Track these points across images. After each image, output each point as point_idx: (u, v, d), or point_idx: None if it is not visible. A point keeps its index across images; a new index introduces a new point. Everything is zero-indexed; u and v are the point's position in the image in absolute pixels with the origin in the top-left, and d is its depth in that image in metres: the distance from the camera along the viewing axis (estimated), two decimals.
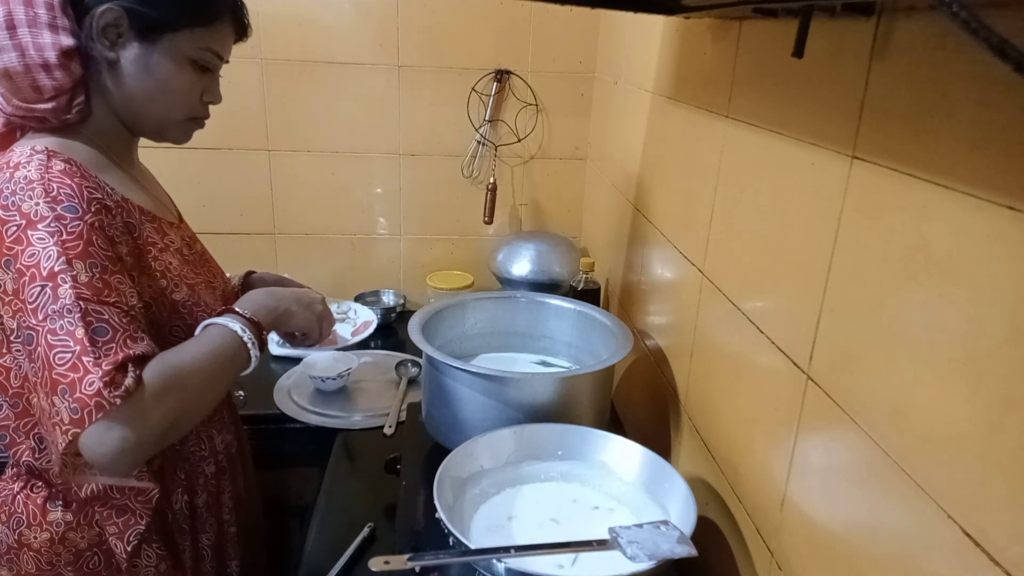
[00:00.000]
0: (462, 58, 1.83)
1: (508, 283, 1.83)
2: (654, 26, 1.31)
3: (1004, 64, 0.32)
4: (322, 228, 1.95)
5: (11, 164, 0.80)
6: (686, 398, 1.11)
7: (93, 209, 0.81)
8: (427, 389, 1.14)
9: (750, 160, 0.89)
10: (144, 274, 0.88)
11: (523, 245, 1.83)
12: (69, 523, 0.91)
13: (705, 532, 0.95)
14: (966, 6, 0.32)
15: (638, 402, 1.40)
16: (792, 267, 0.77)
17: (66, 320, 0.75)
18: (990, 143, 0.48)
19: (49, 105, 0.83)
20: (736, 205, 0.93)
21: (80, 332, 0.75)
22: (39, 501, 0.91)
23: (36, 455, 0.91)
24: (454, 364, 1.04)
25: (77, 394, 0.74)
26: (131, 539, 0.92)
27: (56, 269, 0.76)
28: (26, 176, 0.78)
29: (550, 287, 1.73)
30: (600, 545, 0.78)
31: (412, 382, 1.58)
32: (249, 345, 0.88)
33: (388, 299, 2.00)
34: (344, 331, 1.78)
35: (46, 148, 0.82)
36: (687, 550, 0.76)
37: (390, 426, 1.41)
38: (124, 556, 0.92)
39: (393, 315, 1.93)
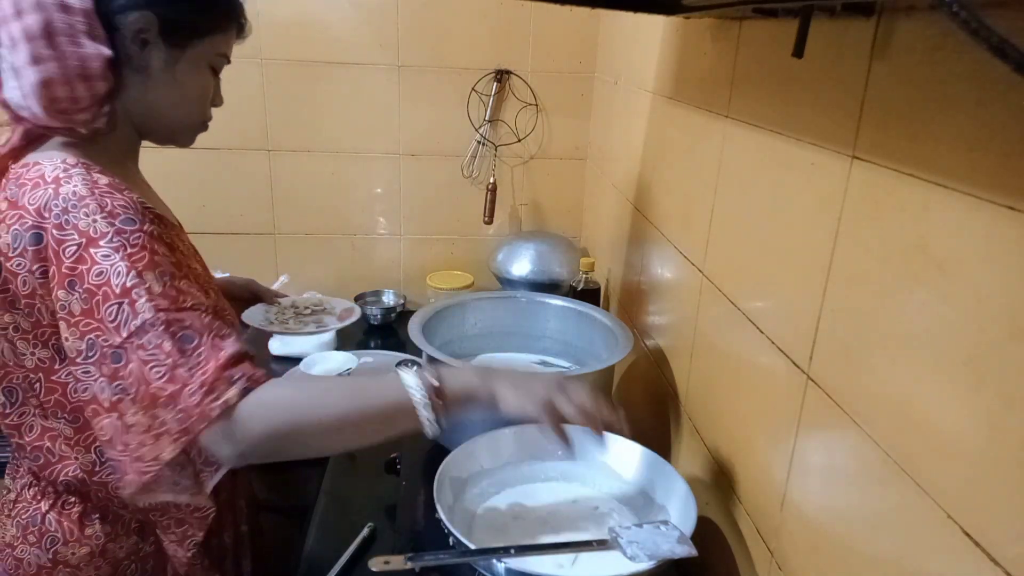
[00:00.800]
0: (462, 58, 1.83)
1: (508, 283, 1.83)
2: (654, 26, 1.31)
3: (1004, 64, 0.32)
4: (322, 228, 1.95)
5: (48, 179, 0.78)
6: (686, 398, 1.11)
7: (148, 218, 0.80)
8: None
9: (750, 160, 0.89)
10: (180, 263, 0.87)
11: (523, 245, 1.83)
12: (108, 534, 0.91)
13: (705, 532, 0.95)
14: (966, 6, 0.32)
15: (638, 402, 1.40)
16: (792, 267, 0.77)
17: (151, 335, 0.75)
18: (990, 143, 0.48)
19: (85, 115, 0.81)
20: (736, 205, 0.93)
21: (168, 345, 0.75)
22: (75, 517, 0.90)
23: (93, 469, 0.88)
24: (454, 364, 1.04)
25: (181, 404, 0.74)
26: (190, 547, 0.93)
27: (128, 285, 0.75)
28: (75, 191, 0.77)
29: (550, 287, 1.73)
30: (600, 545, 0.78)
31: None
32: (422, 417, 0.79)
33: (388, 299, 2.00)
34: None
35: (79, 160, 0.81)
36: (687, 550, 0.76)
37: None
38: (185, 561, 0.93)
39: (393, 315, 1.93)
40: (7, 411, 0.87)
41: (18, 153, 0.85)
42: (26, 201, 0.77)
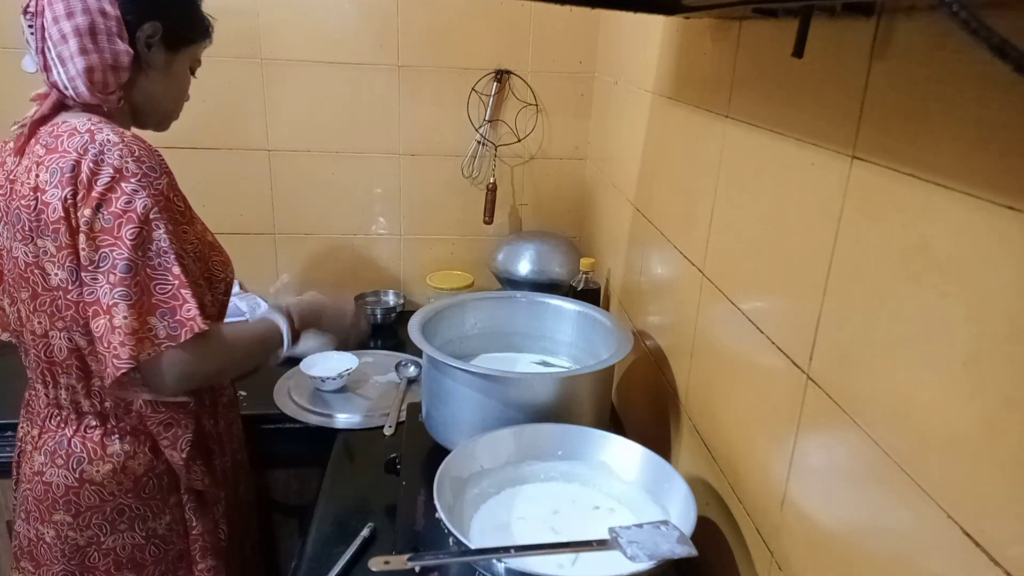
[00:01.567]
0: (462, 58, 1.83)
1: (508, 283, 1.83)
2: (654, 26, 1.31)
3: (1004, 64, 0.32)
4: (322, 228, 1.95)
5: (81, 130, 0.95)
6: (686, 398, 1.11)
7: (165, 171, 0.99)
8: (427, 389, 1.14)
9: (750, 160, 0.89)
10: (192, 220, 1.07)
11: (523, 245, 1.83)
12: (128, 452, 1.06)
13: (705, 532, 0.95)
14: (966, 6, 0.32)
15: (638, 402, 1.40)
16: (792, 267, 0.77)
17: (163, 259, 0.95)
18: (990, 143, 0.48)
19: (111, 97, 1.02)
20: (736, 205, 0.93)
21: (176, 270, 0.95)
22: (96, 437, 1.05)
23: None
24: (454, 364, 1.04)
25: (178, 316, 0.94)
26: (183, 447, 1.07)
27: (151, 216, 0.94)
28: (108, 138, 0.94)
29: (550, 287, 1.73)
30: (600, 545, 0.78)
31: (412, 382, 1.58)
32: (285, 340, 1.13)
33: (388, 299, 2.00)
34: None
35: (102, 119, 1.00)
36: (687, 550, 0.76)
37: (390, 426, 1.41)
38: (181, 463, 1.07)
39: (393, 315, 1.93)
40: (40, 333, 1.02)
41: (45, 119, 1.01)
42: (65, 146, 0.94)
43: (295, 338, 1.15)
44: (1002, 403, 0.46)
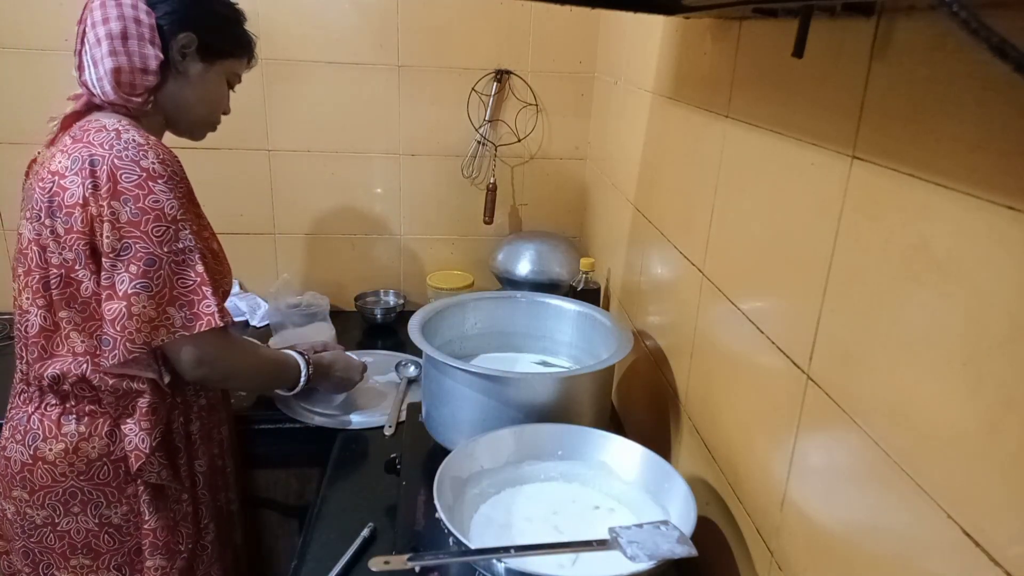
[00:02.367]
0: (462, 58, 1.83)
1: (508, 283, 1.83)
2: (654, 26, 1.31)
3: (1004, 64, 0.32)
4: (322, 228, 1.95)
5: (109, 128, 1.02)
6: (686, 398, 1.11)
7: (184, 176, 1.06)
8: (427, 389, 1.14)
9: (750, 160, 0.89)
10: (200, 226, 1.11)
11: (523, 245, 1.83)
12: (82, 434, 1.08)
13: (705, 532, 0.95)
14: (966, 6, 0.32)
15: (638, 402, 1.40)
16: (792, 267, 0.77)
17: (187, 257, 1.03)
18: (990, 143, 0.48)
19: (138, 99, 1.08)
20: (736, 205, 0.93)
21: (200, 268, 1.04)
22: (54, 416, 1.08)
23: (93, 352, 1.06)
24: (454, 364, 1.04)
25: (195, 309, 1.03)
26: (156, 435, 1.10)
27: (178, 217, 1.02)
28: (134, 139, 1.01)
29: (550, 287, 1.73)
30: (600, 545, 0.78)
31: (412, 382, 1.58)
32: (302, 379, 1.29)
33: (388, 299, 2.00)
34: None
35: (131, 122, 1.06)
36: (687, 550, 0.76)
37: (390, 426, 1.41)
38: (146, 451, 1.09)
39: (393, 315, 1.93)
40: (25, 308, 1.07)
41: (79, 116, 1.08)
42: (90, 139, 1.01)
43: (308, 381, 1.28)
44: (1002, 403, 0.46)
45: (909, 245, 0.56)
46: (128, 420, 1.10)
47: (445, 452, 0.92)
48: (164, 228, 1.00)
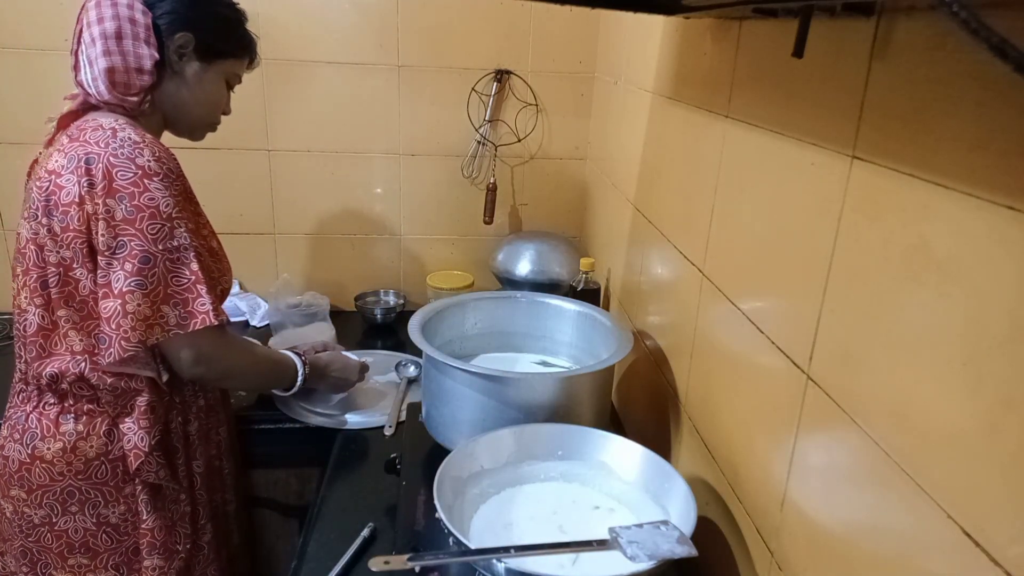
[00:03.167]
0: (462, 58, 1.83)
1: (508, 283, 1.83)
2: (654, 26, 1.31)
3: (1004, 64, 0.32)
4: (322, 228, 1.95)
5: (106, 127, 1.02)
6: (686, 398, 1.11)
7: (181, 175, 1.06)
8: (427, 389, 1.14)
9: (750, 160, 0.89)
10: (198, 224, 1.12)
11: (523, 245, 1.83)
12: (80, 433, 1.08)
13: (705, 532, 0.95)
14: (966, 6, 0.32)
15: (638, 402, 1.40)
16: (792, 267, 0.77)
17: (182, 255, 1.02)
18: (990, 143, 0.48)
19: (134, 99, 1.08)
20: (736, 205, 0.93)
21: (195, 266, 1.03)
22: (52, 415, 1.08)
23: (92, 351, 1.06)
24: (454, 364, 1.04)
25: (190, 308, 1.03)
26: (155, 434, 1.10)
27: (174, 215, 1.02)
28: (130, 137, 1.01)
29: (550, 287, 1.73)
30: (600, 545, 0.78)
31: (412, 382, 1.58)
32: (298, 381, 1.29)
33: (388, 299, 2.00)
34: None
35: (128, 121, 1.06)
36: (687, 550, 0.76)
37: (390, 426, 1.41)
38: (145, 449, 1.09)
39: (393, 315, 1.93)
40: (23, 308, 1.07)
41: (76, 116, 1.08)
42: (87, 137, 1.01)
43: (304, 382, 1.28)
44: (1002, 403, 0.46)
45: (909, 245, 0.56)
46: (127, 419, 1.09)
47: (445, 452, 0.92)
48: (159, 226, 1.00)
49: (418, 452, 1.18)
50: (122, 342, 0.99)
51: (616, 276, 1.60)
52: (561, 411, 1.03)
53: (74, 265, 1.03)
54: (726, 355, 0.96)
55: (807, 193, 0.74)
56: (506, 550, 0.76)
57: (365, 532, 1.09)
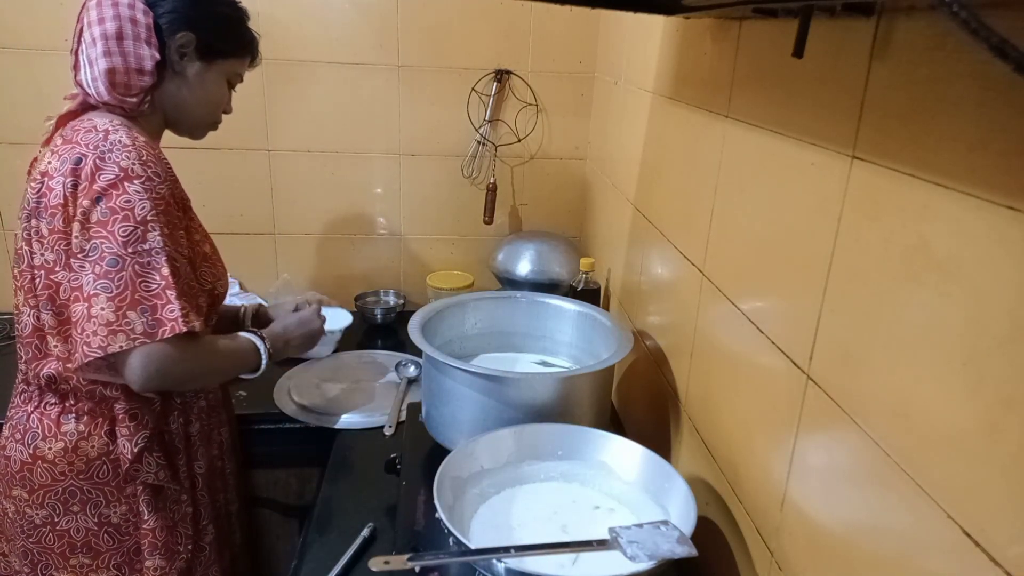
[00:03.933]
0: (462, 58, 1.83)
1: (508, 283, 1.83)
2: (654, 26, 1.31)
3: (1004, 64, 0.32)
4: (322, 228, 1.95)
5: (99, 128, 1.01)
6: (686, 398, 1.11)
7: (169, 179, 1.04)
8: (427, 389, 1.14)
9: (750, 160, 0.89)
10: (189, 229, 1.10)
11: (523, 245, 1.83)
12: (81, 432, 1.07)
13: (705, 532, 0.95)
14: (966, 6, 0.32)
15: (638, 402, 1.40)
16: (792, 267, 0.77)
17: (153, 259, 0.98)
18: (990, 143, 0.48)
19: (134, 100, 1.07)
20: (736, 205, 0.93)
21: (166, 271, 0.98)
22: (53, 415, 1.07)
23: (66, 357, 1.05)
24: (454, 364, 1.04)
25: (158, 315, 0.97)
26: (139, 442, 1.08)
27: (148, 218, 0.98)
28: (120, 140, 1.00)
29: (550, 287, 1.73)
30: (600, 545, 0.78)
31: (412, 382, 1.58)
32: (263, 362, 1.19)
33: (388, 299, 2.00)
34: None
35: (123, 122, 1.05)
36: (687, 550, 0.76)
37: (390, 426, 1.41)
38: (130, 457, 1.07)
39: (393, 315, 1.93)
40: (20, 309, 1.07)
41: (74, 116, 1.08)
42: (79, 139, 1.00)
43: (271, 357, 1.21)
44: (1002, 403, 0.46)
45: (909, 245, 0.56)
46: (127, 422, 1.09)
47: (445, 452, 0.92)
48: (131, 229, 0.97)
49: (418, 452, 1.18)
50: (84, 347, 0.95)
51: (616, 276, 1.60)
52: (561, 411, 1.03)
53: (56, 268, 1.01)
54: (726, 355, 0.96)
55: (807, 193, 0.74)
56: (506, 550, 0.76)
57: (365, 532, 1.09)
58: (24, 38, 1.69)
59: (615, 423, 1.44)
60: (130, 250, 0.97)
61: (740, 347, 0.90)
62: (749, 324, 0.87)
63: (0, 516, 1.13)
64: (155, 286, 0.98)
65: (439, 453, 0.97)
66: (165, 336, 0.96)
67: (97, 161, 0.97)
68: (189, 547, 1.18)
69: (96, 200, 0.96)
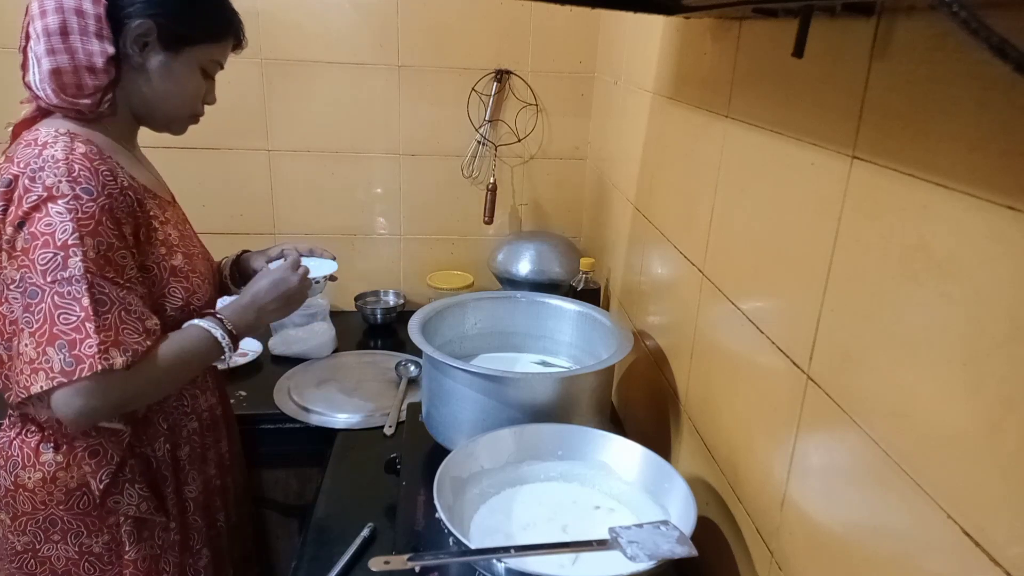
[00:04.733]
0: (462, 58, 1.83)
1: (508, 283, 1.83)
2: (654, 26, 1.31)
3: (1004, 64, 0.32)
4: (322, 228, 1.95)
5: (39, 142, 0.92)
6: (686, 398, 1.11)
7: (105, 193, 0.92)
8: (427, 389, 1.14)
9: (750, 160, 0.89)
10: (148, 243, 1.00)
11: (523, 245, 1.83)
12: (60, 463, 1.00)
13: (705, 532, 0.95)
14: (966, 6, 0.32)
15: (638, 402, 1.40)
16: (792, 267, 0.77)
17: (74, 288, 0.88)
18: (990, 143, 0.48)
19: (88, 101, 0.96)
20: (736, 205, 0.93)
21: (86, 301, 0.88)
22: (32, 444, 1.01)
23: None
24: (454, 364, 1.04)
25: (76, 351, 0.87)
26: (104, 478, 1.01)
27: (70, 242, 0.88)
28: (53, 155, 0.90)
29: (550, 287, 1.73)
30: (600, 545, 0.78)
31: (412, 382, 1.58)
32: (225, 348, 1.05)
33: (388, 299, 2.00)
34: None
35: (69, 131, 0.94)
36: (687, 550, 0.76)
37: (390, 426, 1.41)
38: (98, 492, 1.01)
39: (393, 315, 1.93)
40: None
41: (30, 124, 0.99)
42: (17, 155, 0.92)
43: (237, 339, 1.07)
44: (1002, 403, 0.46)
45: (909, 245, 0.56)
46: (88, 459, 1.00)
47: (445, 452, 0.92)
48: (50, 256, 0.87)
49: (418, 452, 1.18)
50: (15, 386, 0.89)
51: (616, 276, 1.60)
52: (561, 411, 1.03)
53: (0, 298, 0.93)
54: (726, 355, 0.96)
55: (807, 193, 0.74)
56: (506, 550, 0.76)
57: (365, 532, 1.09)
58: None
59: (615, 423, 1.44)
60: (48, 279, 0.88)
61: (740, 347, 0.90)
62: (749, 324, 0.87)
63: None
64: (74, 318, 0.88)
65: (439, 453, 0.97)
66: (83, 375, 0.87)
67: (27, 182, 0.89)
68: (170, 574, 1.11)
69: (19, 226, 0.88)
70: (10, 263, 0.90)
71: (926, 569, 0.54)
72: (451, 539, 0.78)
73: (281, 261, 1.21)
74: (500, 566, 0.75)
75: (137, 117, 1.05)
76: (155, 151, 1.16)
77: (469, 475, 0.93)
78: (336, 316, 1.85)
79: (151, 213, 1.01)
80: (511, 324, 1.34)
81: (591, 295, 1.52)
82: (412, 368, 1.60)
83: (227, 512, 1.23)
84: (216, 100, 1.10)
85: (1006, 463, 0.46)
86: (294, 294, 1.14)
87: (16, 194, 0.89)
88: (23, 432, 1.02)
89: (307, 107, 1.84)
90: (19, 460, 1.01)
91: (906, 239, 0.57)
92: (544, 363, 1.31)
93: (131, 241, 0.96)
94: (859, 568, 0.62)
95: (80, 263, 0.88)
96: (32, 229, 0.88)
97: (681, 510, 0.84)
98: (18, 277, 0.89)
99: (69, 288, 0.88)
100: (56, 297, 0.88)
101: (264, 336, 1.73)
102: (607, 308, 1.64)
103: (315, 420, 1.45)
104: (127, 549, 1.06)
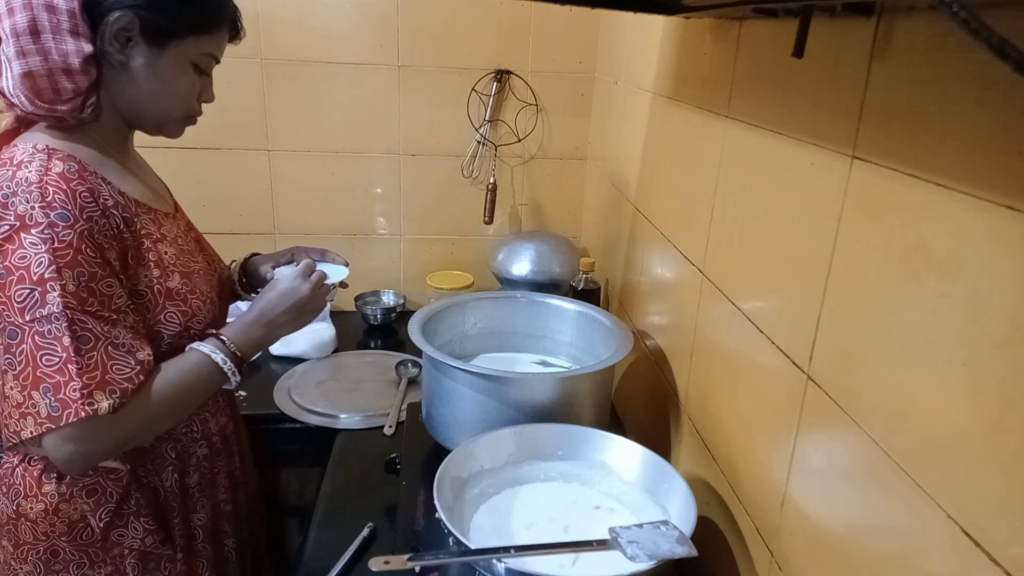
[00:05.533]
0: (462, 58, 1.83)
1: (508, 283, 1.83)
2: (654, 26, 1.31)
3: (1004, 64, 0.32)
4: (322, 228, 1.95)
5: (14, 162, 0.84)
6: (686, 398, 1.11)
7: (84, 217, 0.85)
8: (427, 389, 1.14)
9: (750, 160, 0.89)
10: (139, 265, 0.93)
11: (523, 245, 1.83)
12: (63, 495, 0.95)
13: (705, 532, 0.95)
14: (966, 6, 0.32)
15: (638, 402, 1.40)
16: (792, 267, 0.77)
17: (53, 326, 0.81)
18: (990, 143, 0.48)
19: (68, 107, 0.87)
20: (736, 205, 0.93)
21: (67, 340, 0.81)
22: (35, 474, 0.95)
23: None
24: (454, 364, 1.04)
25: (61, 395, 0.81)
26: (103, 516, 0.96)
27: (46, 276, 0.81)
28: (26, 178, 0.82)
29: (550, 287, 1.73)
30: (600, 545, 0.78)
31: (412, 382, 1.58)
32: (229, 373, 0.98)
33: (388, 299, 2.00)
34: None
35: (47, 147, 0.87)
36: (687, 550, 0.76)
37: (390, 426, 1.41)
38: (99, 530, 0.96)
39: (393, 315, 1.93)
40: None
41: (11, 135, 0.91)
42: None
43: (244, 360, 1.01)
44: (1002, 403, 0.46)
45: (909, 245, 0.56)
46: (86, 499, 0.96)
47: (445, 452, 0.92)
48: (27, 292, 0.80)
49: (418, 452, 1.18)
50: (5, 430, 0.85)
51: (616, 276, 1.60)
52: (561, 411, 1.03)
53: None
54: (726, 355, 0.96)
55: (807, 193, 0.74)
56: (506, 550, 0.76)
57: (365, 532, 1.09)
58: None
59: (615, 423, 1.44)
60: (27, 318, 0.81)
61: (740, 347, 0.90)
62: (749, 324, 0.87)
63: None
64: (56, 360, 0.82)
65: (439, 453, 0.97)
66: (69, 421, 0.81)
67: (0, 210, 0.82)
68: None
69: None
70: None
71: (926, 569, 0.54)
72: (451, 539, 0.78)
73: (292, 267, 1.14)
74: (500, 566, 0.75)
75: (127, 121, 0.97)
76: (154, 152, 1.15)
77: (469, 475, 0.93)
78: (336, 316, 1.86)
79: (142, 232, 0.94)
80: (511, 324, 1.34)
81: (591, 295, 1.52)
82: (412, 368, 1.60)
83: (240, 536, 1.18)
84: (214, 98, 1.02)
85: (1006, 463, 0.46)
86: (307, 304, 1.06)
87: None
88: (26, 459, 0.97)
89: (307, 107, 1.84)
90: (21, 489, 0.96)
91: (906, 239, 0.57)
92: (544, 363, 1.31)
93: (117, 267, 0.88)
94: (859, 568, 0.62)
95: (59, 298, 0.81)
96: (6, 263, 0.81)
97: (681, 510, 0.84)
98: None
99: (48, 327, 0.81)
100: (36, 337, 0.81)
101: None
102: (607, 308, 1.64)
103: (315, 420, 1.45)
104: None
